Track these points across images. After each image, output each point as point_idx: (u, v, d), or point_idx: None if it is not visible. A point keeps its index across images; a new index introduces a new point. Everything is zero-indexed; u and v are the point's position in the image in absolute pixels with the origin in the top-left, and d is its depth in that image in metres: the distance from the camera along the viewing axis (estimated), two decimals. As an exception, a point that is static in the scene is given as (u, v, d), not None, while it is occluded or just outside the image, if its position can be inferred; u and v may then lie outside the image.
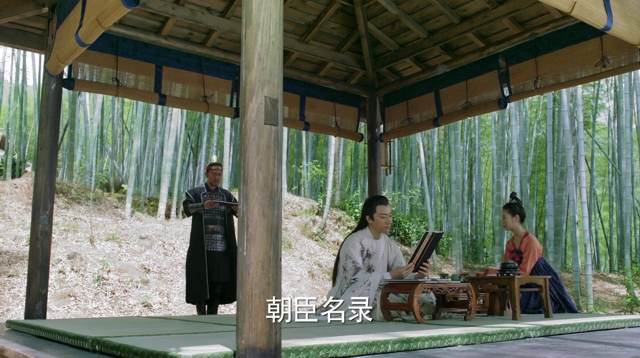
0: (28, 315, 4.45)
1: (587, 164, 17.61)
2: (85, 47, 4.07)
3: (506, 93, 5.58)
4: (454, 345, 2.77)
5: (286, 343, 2.28)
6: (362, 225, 4.47)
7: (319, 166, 15.20)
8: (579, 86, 11.49)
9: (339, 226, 13.63)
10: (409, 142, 16.23)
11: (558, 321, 3.64)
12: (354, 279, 4.12)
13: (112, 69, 5.17)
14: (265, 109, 2.14)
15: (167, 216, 12.09)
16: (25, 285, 7.34)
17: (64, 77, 4.88)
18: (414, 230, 13.69)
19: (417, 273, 4.18)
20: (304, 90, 6.43)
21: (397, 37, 6.37)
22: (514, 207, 5.12)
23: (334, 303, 4.13)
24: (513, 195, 5.31)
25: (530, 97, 19.45)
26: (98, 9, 3.67)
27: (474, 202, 17.13)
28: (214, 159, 6.31)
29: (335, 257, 4.53)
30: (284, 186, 14.71)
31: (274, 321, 2.04)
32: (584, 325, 3.54)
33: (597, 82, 17.01)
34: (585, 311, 10.26)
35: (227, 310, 8.25)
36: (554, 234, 12.74)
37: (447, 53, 6.15)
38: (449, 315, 4.31)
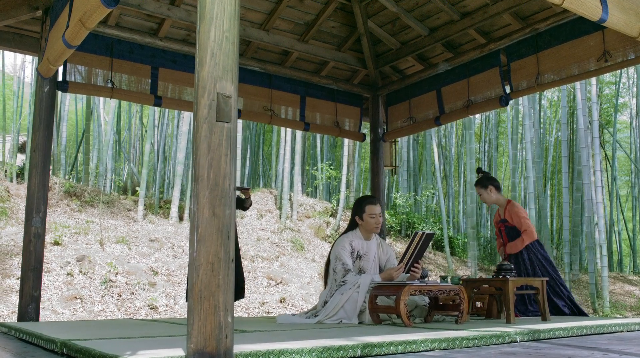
0: (21, 317, 4.45)
1: (609, 163, 17.24)
2: (72, 49, 4.06)
3: (507, 90, 5.45)
4: (430, 350, 2.67)
5: (245, 348, 2.22)
6: (352, 225, 4.38)
7: (332, 167, 15.11)
8: (594, 84, 11.22)
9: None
10: (425, 143, 16.06)
11: (550, 324, 3.51)
12: (343, 281, 4.03)
13: (106, 71, 5.17)
14: (217, 106, 2.08)
15: (181, 218, 12.13)
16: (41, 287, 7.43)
17: (59, 79, 4.90)
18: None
19: (408, 274, 4.08)
20: (304, 90, 6.36)
21: (398, 35, 6.28)
22: (483, 181, 5.06)
23: (323, 306, 4.08)
24: (479, 170, 5.25)
25: (550, 96, 19.18)
26: (81, 10, 3.67)
27: (492, 203, 16.85)
28: None
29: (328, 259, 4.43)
30: (299, 188, 14.66)
31: (223, 324, 1.97)
32: (577, 329, 3.40)
33: (618, 80, 16.65)
34: (601, 313, 10.01)
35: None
36: (572, 235, 12.48)
37: (449, 50, 6.03)
38: (443, 318, 4.21)
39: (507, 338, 3.00)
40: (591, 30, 4.75)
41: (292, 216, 13.37)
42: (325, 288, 4.31)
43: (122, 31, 5.27)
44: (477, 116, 20.46)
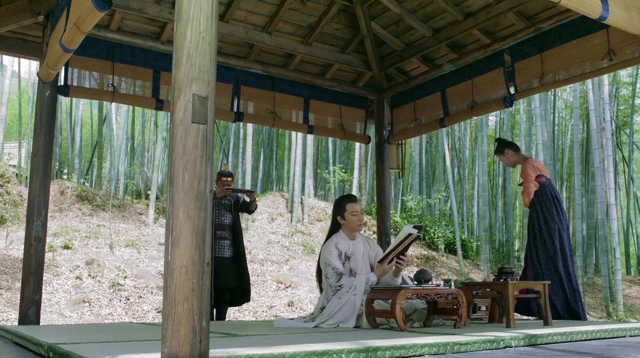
0: (21, 321, 4.47)
1: (625, 165, 16.97)
2: (70, 53, 4.08)
3: (512, 91, 5.38)
4: (420, 355, 2.61)
5: (222, 352, 2.18)
6: (334, 228, 4.31)
7: (344, 171, 15.05)
8: (606, 84, 11.04)
9: (364, 231, 13.47)
10: (437, 145, 15.94)
11: (549, 329, 3.43)
12: (339, 286, 3.98)
13: (108, 75, 5.19)
14: (193, 108, 2.05)
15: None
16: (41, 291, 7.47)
17: (60, 84, 4.93)
18: (440, 234, 13.40)
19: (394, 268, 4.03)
20: (308, 93, 6.34)
21: (403, 36, 6.23)
22: (499, 148, 5.29)
23: (320, 311, 4.04)
24: (496, 139, 5.43)
25: (565, 98, 18.93)
26: (76, 14, 3.68)
27: (506, 205, 16.67)
28: (226, 167, 6.06)
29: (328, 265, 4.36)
30: (311, 191, 14.63)
31: (198, 328, 1.94)
32: (576, 334, 3.32)
33: (634, 80, 16.38)
34: (615, 318, 9.83)
35: (241, 315, 8.21)
36: (588, 238, 12.29)
37: (454, 51, 5.97)
38: (443, 322, 4.14)
39: (501, 343, 2.93)
40: (596, 29, 4.67)
41: (303, 219, 13.35)
42: (321, 293, 4.26)
43: (124, 35, 5.30)
44: (490, 118, 20.27)
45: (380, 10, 6.03)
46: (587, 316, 4.89)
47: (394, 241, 3.95)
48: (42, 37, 4.88)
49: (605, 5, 3.57)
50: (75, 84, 5.04)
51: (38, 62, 5.26)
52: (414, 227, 3.85)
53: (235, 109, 5.90)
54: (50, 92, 4.73)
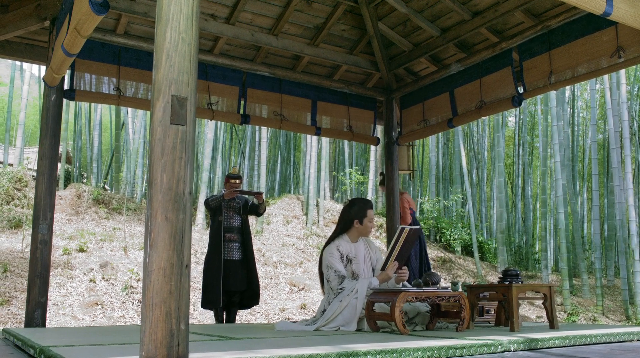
0: (27, 323, 4.50)
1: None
2: (72, 58, 4.11)
3: (520, 90, 5.29)
4: (412, 359, 2.56)
5: (201, 356, 2.16)
6: (343, 229, 4.22)
7: (360, 173, 14.98)
8: (624, 83, 10.82)
9: (380, 233, 13.39)
10: (454, 147, 15.81)
11: (553, 333, 3.35)
12: (340, 289, 3.93)
13: (114, 79, 5.22)
14: (172, 109, 2.04)
15: (207, 224, 12.20)
16: (55, 294, 7.55)
17: (66, 88, 4.97)
18: (456, 236, 13.26)
19: (396, 275, 3.97)
20: (315, 94, 6.31)
21: (410, 36, 6.17)
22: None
23: (322, 314, 4.00)
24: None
25: (586, 98, 18.63)
26: (76, 18, 3.70)
27: (526, 207, 16.46)
28: (235, 170, 6.02)
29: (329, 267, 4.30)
30: (327, 193, 14.58)
31: (176, 331, 1.92)
32: (580, 337, 3.23)
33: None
34: (634, 321, 9.62)
35: (253, 318, 8.20)
36: (607, 239, 12.05)
37: (462, 51, 5.90)
38: (446, 325, 4.07)
39: (499, 347, 2.86)
40: (604, 26, 4.57)
41: (318, 221, 13.31)
42: (324, 296, 4.22)
43: (129, 39, 5.33)
44: (510, 118, 20.04)
45: (387, 11, 5.99)
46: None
47: (391, 243, 3.90)
48: (48, 42, 4.93)
49: (609, 1, 3.48)
50: (81, 88, 5.08)
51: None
52: (411, 229, 3.80)
53: (241, 112, 5.89)
54: (56, 96, 4.77)
